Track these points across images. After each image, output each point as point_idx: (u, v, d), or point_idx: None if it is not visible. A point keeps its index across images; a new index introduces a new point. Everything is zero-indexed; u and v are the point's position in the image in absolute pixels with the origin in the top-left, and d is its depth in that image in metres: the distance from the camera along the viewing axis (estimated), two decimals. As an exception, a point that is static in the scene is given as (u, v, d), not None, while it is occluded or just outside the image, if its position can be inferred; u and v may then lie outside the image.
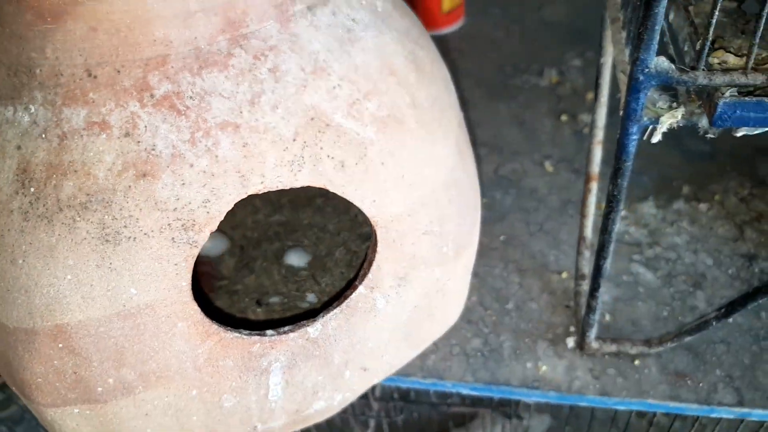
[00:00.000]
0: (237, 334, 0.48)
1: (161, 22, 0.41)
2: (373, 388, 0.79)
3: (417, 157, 0.49)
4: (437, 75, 0.54)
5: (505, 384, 0.68)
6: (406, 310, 0.54)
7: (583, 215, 0.72)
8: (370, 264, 0.50)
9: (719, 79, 0.40)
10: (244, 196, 0.44)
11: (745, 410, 0.64)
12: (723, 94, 0.40)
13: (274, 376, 0.51)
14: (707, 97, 0.42)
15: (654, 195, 0.84)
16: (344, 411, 0.61)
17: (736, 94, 0.41)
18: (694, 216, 0.81)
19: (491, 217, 0.85)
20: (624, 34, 0.51)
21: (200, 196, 0.42)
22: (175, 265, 0.43)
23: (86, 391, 0.45)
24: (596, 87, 0.66)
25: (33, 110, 0.42)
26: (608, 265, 0.56)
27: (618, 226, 0.52)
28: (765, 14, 0.37)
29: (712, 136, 0.43)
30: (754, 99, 0.39)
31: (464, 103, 1.03)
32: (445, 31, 1.22)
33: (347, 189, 0.46)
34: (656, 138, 0.44)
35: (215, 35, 0.43)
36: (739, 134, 0.42)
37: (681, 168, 0.89)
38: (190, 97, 0.42)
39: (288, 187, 0.44)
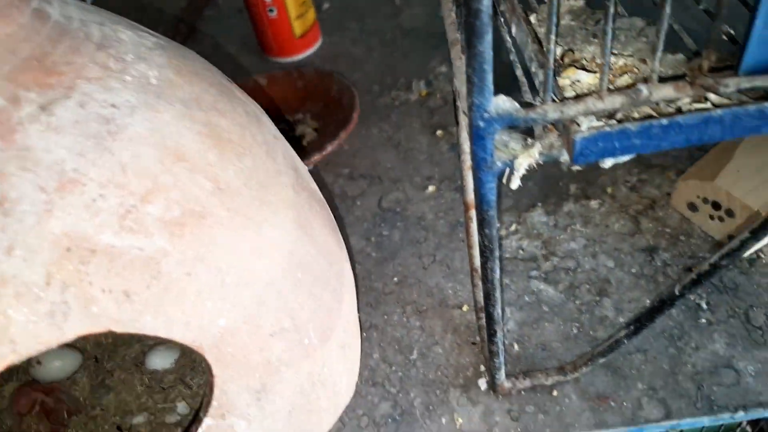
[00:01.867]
0: None
1: None
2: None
3: (238, 251, 0.40)
4: (252, 141, 0.44)
5: (422, 448, 0.61)
6: (280, 419, 0.46)
7: (469, 246, 0.66)
8: (212, 389, 0.41)
9: (572, 109, 0.34)
10: None
11: (674, 422, 0.60)
12: (579, 125, 0.35)
13: None
14: (564, 129, 0.36)
15: (542, 201, 0.79)
16: None
17: (595, 121, 0.35)
18: (587, 216, 0.77)
19: (382, 257, 0.78)
20: (464, 60, 0.45)
21: None
22: None
23: None
24: (455, 110, 0.61)
25: None
26: (499, 310, 0.50)
27: (498, 275, 0.46)
28: (609, 27, 0.31)
29: (579, 168, 0.38)
30: (616, 127, 0.34)
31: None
32: (303, 55, 1.15)
33: (143, 322, 0.36)
34: (515, 183, 0.38)
35: None
36: (606, 166, 0.37)
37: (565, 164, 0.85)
38: None
39: (56, 345, 0.33)
